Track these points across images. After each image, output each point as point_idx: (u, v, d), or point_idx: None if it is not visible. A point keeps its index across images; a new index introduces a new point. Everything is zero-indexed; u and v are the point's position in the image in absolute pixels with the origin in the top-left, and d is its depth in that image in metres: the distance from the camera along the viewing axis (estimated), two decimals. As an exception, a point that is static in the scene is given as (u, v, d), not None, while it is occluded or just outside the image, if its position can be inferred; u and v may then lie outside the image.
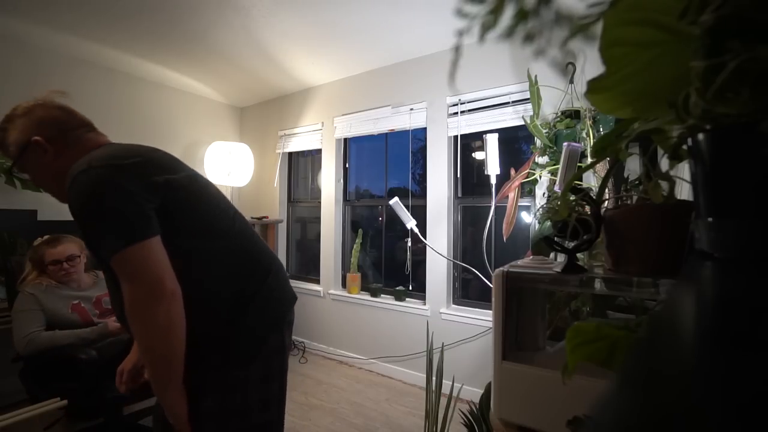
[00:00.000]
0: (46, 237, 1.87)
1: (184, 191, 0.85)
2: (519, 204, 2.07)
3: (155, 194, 0.79)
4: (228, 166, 3.43)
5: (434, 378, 1.58)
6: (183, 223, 0.84)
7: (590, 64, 0.39)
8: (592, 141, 1.71)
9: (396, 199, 2.59)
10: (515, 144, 2.69)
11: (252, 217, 3.58)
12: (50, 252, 1.81)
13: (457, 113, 2.61)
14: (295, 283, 3.57)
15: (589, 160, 1.56)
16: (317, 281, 3.42)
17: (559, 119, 1.94)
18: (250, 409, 0.88)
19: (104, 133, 1.01)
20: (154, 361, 0.80)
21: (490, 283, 1.43)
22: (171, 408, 0.81)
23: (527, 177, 2.03)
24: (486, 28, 0.28)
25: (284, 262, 3.76)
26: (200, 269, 0.85)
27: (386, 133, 3.07)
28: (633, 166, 1.35)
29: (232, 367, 0.87)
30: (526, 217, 2.38)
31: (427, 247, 2.69)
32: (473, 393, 2.18)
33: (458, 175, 2.70)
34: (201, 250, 0.86)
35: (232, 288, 0.87)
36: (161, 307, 0.76)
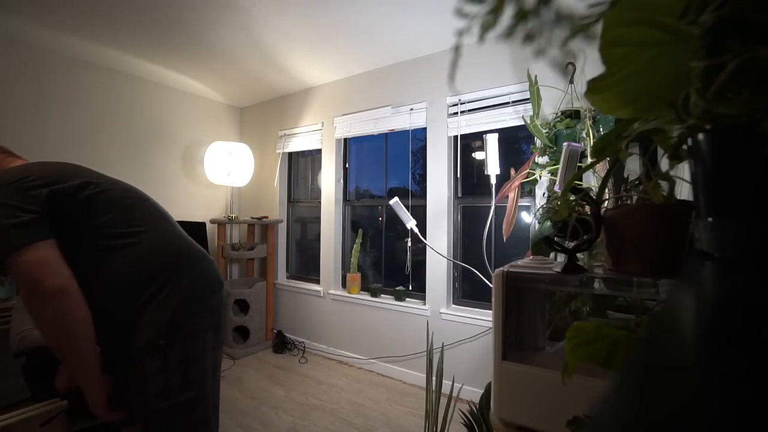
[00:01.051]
0: None
1: (71, 199, 0.94)
2: (519, 204, 2.07)
3: (40, 205, 0.89)
4: (228, 166, 3.43)
5: (434, 378, 1.58)
6: (80, 225, 0.94)
7: (590, 64, 0.39)
8: (592, 141, 1.71)
9: (396, 199, 2.59)
10: (515, 144, 2.69)
11: (252, 217, 3.58)
12: None
13: (457, 113, 2.61)
14: (295, 283, 3.58)
15: (589, 160, 1.57)
16: (317, 281, 3.42)
17: (559, 119, 1.94)
18: (171, 389, 0.96)
19: (23, 157, 1.11)
20: (58, 352, 0.90)
21: (490, 283, 1.43)
22: (87, 394, 0.92)
23: (527, 177, 2.03)
24: (486, 28, 0.28)
25: (284, 262, 3.76)
26: (104, 265, 0.95)
27: (386, 133, 3.07)
28: (633, 166, 1.35)
29: (150, 353, 0.94)
30: (526, 217, 2.38)
31: (427, 247, 2.69)
32: (473, 393, 2.18)
33: (458, 175, 2.70)
34: (103, 248, 0.96)
35: (138, 281, 0.96)
36: (46, 303, 0.86)
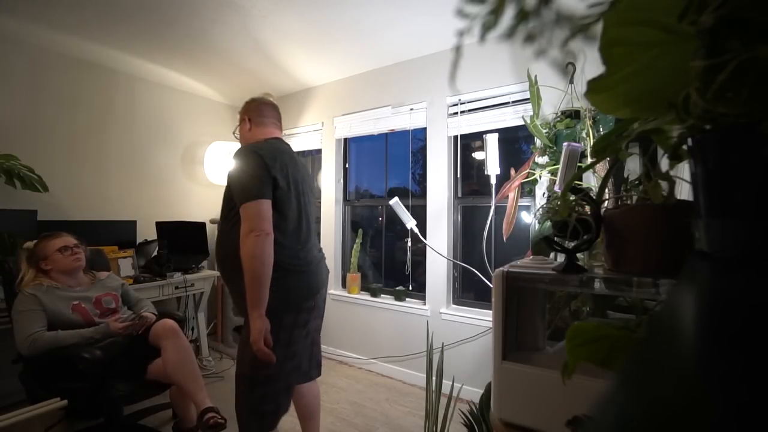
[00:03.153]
0: (42, 237, 1.87)
1: (279, 187, 1.36)
2: (519, 204, 2.07)
3: (271, 177, 1.34)
4: (228, 166, 3.43)
5: (434, 378, 1.58)
6: (275, 202, 1.35)
7: (590, 64, 0.39)
8: (592, 141, 1.71)
9: (396, 199, 2.59)
10: (515, 144, 2.69)
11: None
12: (54, 242, 1.82)
13: (457, 113, 2.61)
14: (295, 283, 3.57)
15: (589, 160, 1.56)
16: (317, 281, 3.41)
17: (559, 119, 1.94)
18: (286, 342, 1.37)
19: (271, 128, 1.63)
20: (250, 281, 1.25)
21: (490, 283, 1.43)
22: (253, 324, 1.25)
23: (527, 177, 2.03)
24: (486, 28, 0.29)
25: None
26: (280, 240, 1.34)
27: (386, 133, 3.07)
28: (633, 166, 1.35)
29: (286, 314, 1.37)
30: (526, 217, 2.38)
31: (427, 247, 2.69)
32: (473, 393, 2.18)
33: (458, 175, 2.70)
34: (282, 227, 1.37)
35: (293, 259, 1.40)
36: (254, 239, 1.24)
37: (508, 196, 2.05)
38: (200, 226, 3.42)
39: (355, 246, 3.17)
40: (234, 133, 1.70)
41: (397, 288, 2.94)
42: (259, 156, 1.33)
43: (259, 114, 1.61)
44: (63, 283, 1.82)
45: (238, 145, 3.85)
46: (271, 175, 1.32)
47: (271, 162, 1.34)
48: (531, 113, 2.09)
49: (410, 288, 2.91)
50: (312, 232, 1.56)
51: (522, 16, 0.28)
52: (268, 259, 1.26)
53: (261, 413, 1.38)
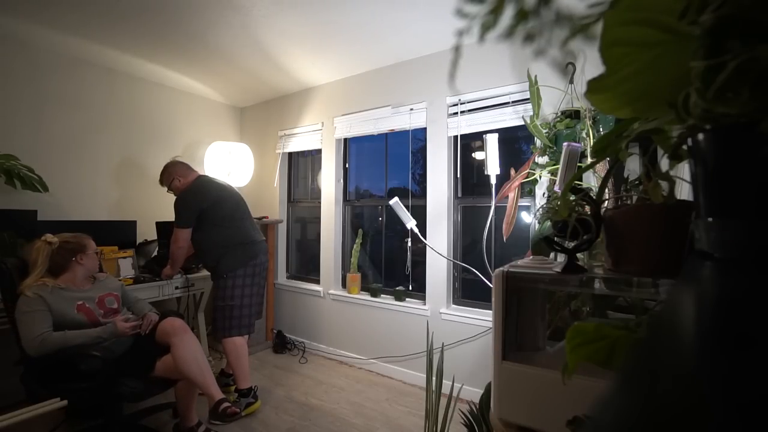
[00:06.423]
0: (67, 234, 1.90)
1: (207, 210, 2.31)
2: (519, 204, 2.07)
3: (197, 210, 2.30)
4: (228, 166, 3.42)
5: (434, 378, 1.58)
6: (206, 220, 2.32)
7: (590, 64, 0.39)
8: (592, 141, 1.71)
9: (396, 199, 2.59)
10: (515, 144, 2.69)
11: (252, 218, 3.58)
12: (92, 242, 1.94)
13: (457, 113, 2.61)
14: (295, 283, 3.58)
15: (589, 160, 1.56)
16: (317, 281, 3.41)
17: (559, 119, 1.94)
18: (227, 296, 2.32)
19: (193, 173, 2.49)
20: (173, 258, 2.44)
21: (490, 283, 1.43)
22: (171, 268, 2.52)
23: (527, 177, 2.03)
24: (486, 28, 0.28)
25: (284, 262, 3.76)
26: (212, 237, 2.35)
27: (386, 133, 3.07)
28: (633, 166, 1.35)
29: (221, 277, 2.34)
30: (526, 217, 2.38)
31: (427, 247, 2.69)
32: (473, 393, 2.18)
33: (458, 175, 2.70)
34: (212, 231, 2.36)
35: (222, 245, 2.34)
36: (174, 246, 2.37)
37: (508, 196, 2.05)
38: (200, 226, 3.42)
39: (355, 246, 3.16)
40: (168, 190, 2.45)
41: (397, 288, 2.94)
42: (186, 195, 2.33)
43: (182, 170, 2.43)
44: (68, 284, 1.81)
45: (238, 145, 3.89)
46: (200, 207, 2.29)
47: (195, 197, 2.33)
48: (531, 113, 2.09)
49: (410, 288, 2.91)
50: (244, 223, 2.45)
51: (521, 15, 0.28)
52: (178, 254, 2.38)
53: (231, 326, 2.35)
